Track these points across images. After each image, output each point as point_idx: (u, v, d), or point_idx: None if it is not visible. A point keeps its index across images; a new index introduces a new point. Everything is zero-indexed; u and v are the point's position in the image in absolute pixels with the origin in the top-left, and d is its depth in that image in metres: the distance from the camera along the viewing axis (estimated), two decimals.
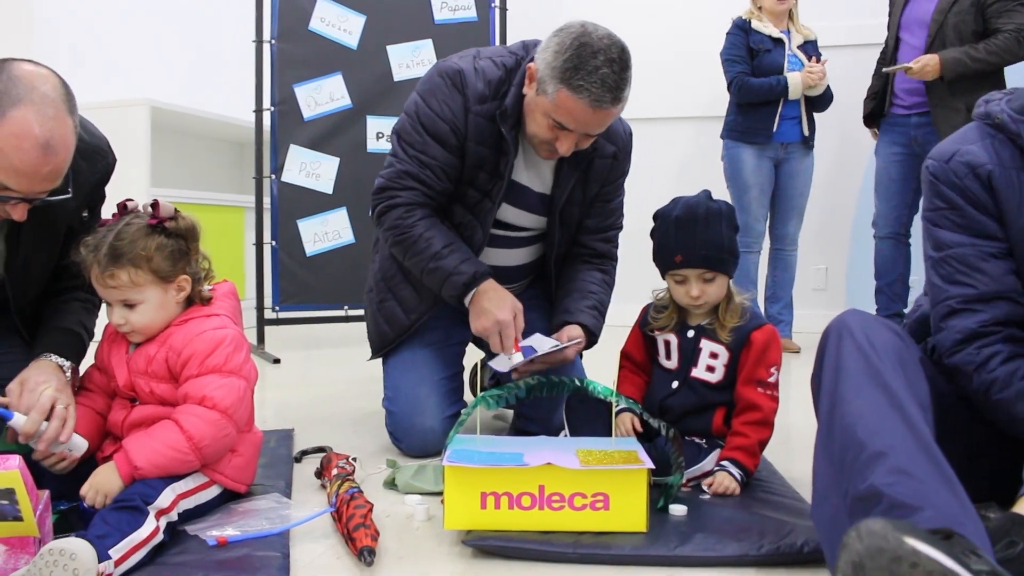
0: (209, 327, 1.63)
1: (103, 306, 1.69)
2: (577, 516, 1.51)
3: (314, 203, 3.99)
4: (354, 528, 1.47)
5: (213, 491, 1.62)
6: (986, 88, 2.50)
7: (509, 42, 3.33)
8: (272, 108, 3.94)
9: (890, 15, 3.98)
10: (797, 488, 1.82)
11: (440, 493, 1.77)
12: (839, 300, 4.88)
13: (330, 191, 4.00)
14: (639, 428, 1.87)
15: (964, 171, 1.51)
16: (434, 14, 4.14)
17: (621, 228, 2.34)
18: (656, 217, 1.90)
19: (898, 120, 3.91)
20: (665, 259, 1.87)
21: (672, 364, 1.92)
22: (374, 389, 2.89)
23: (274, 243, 3.94)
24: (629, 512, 1.51)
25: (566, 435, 1.95)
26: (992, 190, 1.50)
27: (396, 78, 4.07)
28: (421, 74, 3.95)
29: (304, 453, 2.11)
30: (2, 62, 1.44)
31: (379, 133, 4.04)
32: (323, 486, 1.84)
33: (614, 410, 1.77)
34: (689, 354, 1.90)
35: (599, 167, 2.17)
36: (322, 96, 3.99)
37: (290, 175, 3.94)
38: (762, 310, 4.28)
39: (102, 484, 1.48)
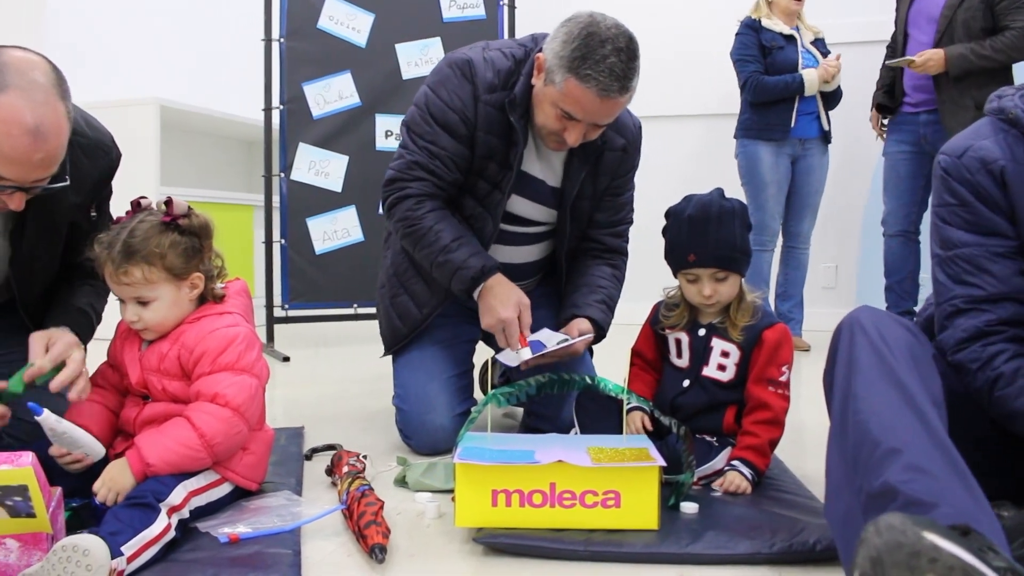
0: (221, 325, 1.63)
1: (114, 304, 1.70)
2: (588, 514, 1.51)
3: (323, 201, 3.99)
4: (365, 525, 1.46)
5: (224, 488, 1.62)
6: (994, 85, 2.49)
7: None
8: (281, 106, 3.95)
9: (897, 10, 3.96)
10: (809, 486, 1.81)
11: (450, 491, 1.76)
12: (849, 298, 4.87)
13: (339, 189, 4.01)
14: (649, 427, 1.86)
15: (976, 166, 1.49)
16: (443, 12, 4.15)
17: (631, 223, 2.34)
18: (668, 215, 1.89)
19: (906, 118, 3.90)
20: (677, 258, 1.86)
21: (683, 362, 1.92)
22: (383, 387, 2.89)
23: (283, 241, 3.95)
24: (641, 510, 1.51)
25: (576, 433, 1.94)
26: (1004, 186, 1.49)
27: (405, 76, 4.08)
28: (429, 72, 3.99)
29: (314, 451, 2.11)
30: None
31: (388, 131, 4.04)
32: (333, 484, 1.84)
33: (625, 408, 1.76)
34: (700, 352, 1.89)
35: (609, 160, 2.16)
36: (331, 94, 4.00)
37: (299, 173, 3.95)
38: (772, 308, 4.26)
39: (114, 481, 1.48)
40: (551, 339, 2.04)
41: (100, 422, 1.65)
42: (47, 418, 1.47)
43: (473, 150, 2.07)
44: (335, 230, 4.01)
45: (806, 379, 3.16)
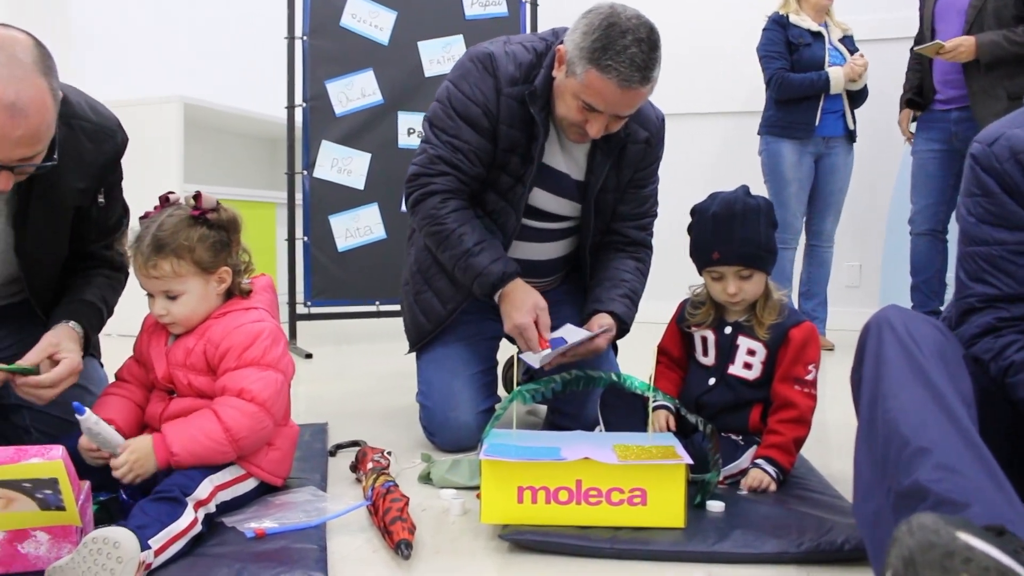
0: (247, 320, 1.64)
1: (140, 299, 1.71)
2: (614, 511, 1.50)
3: (346, 199, 4.00)
4: (391, 522, 1.47)
5: (250, 484, 1.63)
6: None
7: None
8: (304, 104, 3.95)
9: (922, 5, 3.90)
10: (835, 485, 1.80)
11: (475, 487, 1.77)
12: (873, 297, 4.83)
13: (361, 187, 4.01)
14: (672, 426, 1.86)
15: (1006, 155, 1.46)
16: (465, 10, 4.15)
17: (656, 216, 2.33)
18: (693, 213, 1.88)
19: (937, 115, 3.85)
20: (702, 256, 1.85)
21: (709, 360, 1.91)
22: (406, 384, 2.90)
23: (306, 239, 3.96)
24: (667, 508, 1.50)
25: (601, 430, 1.94)
26: None
27: (427, 74, 4.08)
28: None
29: (338, 447, 2.12)
30: None
31: (410, 129, 4.05)
32: (358, 480, 1.84)
33: (651, 406, 1.76)
34: (726, 351, 1.88)
35: (632, 153, 2.16)
36: (353, 92, 4.00)
37: (322, 171, 3.96)
38: (796, 307, 4.24)
39: (138, 463, 1.49)
40: (573, 335, 2.03)
41: (127, 416, 1.66)
42: (88, 418, 1.49)
43: (495, 144, 2.07)
44: (357, 227, 4.01)
45: (830, 378, 3.14)
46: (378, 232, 4.04)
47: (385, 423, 2.49)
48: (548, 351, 1.99)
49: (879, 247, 4.87)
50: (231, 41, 5.21)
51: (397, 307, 3.96)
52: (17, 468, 1.24)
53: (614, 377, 1.68)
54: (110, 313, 1.87)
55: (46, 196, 1.67)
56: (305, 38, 3.95)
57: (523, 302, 2.04)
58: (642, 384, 1.67)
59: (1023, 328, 1.44)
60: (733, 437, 1.85)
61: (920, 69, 3.93)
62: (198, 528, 1.43)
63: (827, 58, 4.01)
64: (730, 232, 1.79)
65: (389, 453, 1.89)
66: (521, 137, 2.07)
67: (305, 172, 3.95)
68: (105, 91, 1.87)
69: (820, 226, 4.22)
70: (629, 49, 1.83)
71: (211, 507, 1.50)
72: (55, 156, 1.54)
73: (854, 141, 4.17)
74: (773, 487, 1.73)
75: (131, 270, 1.66)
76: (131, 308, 2.11)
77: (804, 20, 4.04)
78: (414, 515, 1.54)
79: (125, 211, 1.93)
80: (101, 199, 1.80)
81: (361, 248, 4.02)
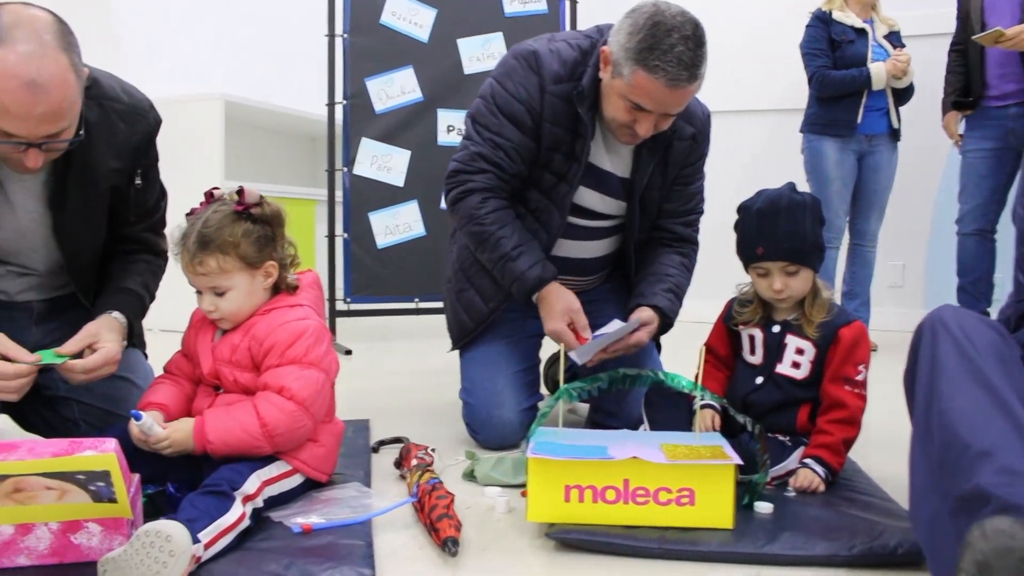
0: (292, 318, 1.64)
1: (187, 293, 1.72)
2: (662, 511, 1.49)
3: (385, 196, 4.01)
4: (437, 519, 1.46)
5: (296, 479, 1.63)
6: None
7: None
8: (344, 101, 3.98)
9: (967, 2, 3.81)
10: (882, 487, 1.77)
11: (519, 485, 1.76)
12: (917, 298, 4.76)
13: (401, 184, 4.02)
14: (718, 425, 1.84)
15: None
16: (504, 7, 4.15)
17: (702, 212, 2.31)
18: (739, 210, 1.87)
19: (992, 112, 3.74)
20: (747, 252, 1.84)
21: (756, 359, 1.89)
22: (446, 381, 2.90)
23: (346, 235, 3.98)
24: (715, 508, 1.49)
25: (646, 429, 1.92)
26: None
27: (466, 71, 4.08)
28: (491, 67, 3.94)
29: (381, 443, 2.12)
30: None
31: (450, 126, 4.05)
32: (402, 476, 1.84)
33: (698, 404, 1.74)
34: (774, 349, 1.86)
35: (678, 149, 2.14)
36: (393, 89, 4.01)
37: (362, 168, 3.97)
38: None
39: (178, 442, 1.53)
40: (614, 329, 2.03)
41: (178, 401, 1.68)
42: (144, 422, 1.51)
43: (539, 142, 2.06)
44: (397, 224, 4.03)
45: (873, 379, 3.07)
46: (417, 229, 4.05)
47: (426, 420, 2.49)
48: (589, 347, 1.98)
49: (923, 246, 4.79)
50: (272, 39, 5.25)
51: (436, 304, 3.99)
52: (71, 460, 1.25)
53: (661, 376, 1.66)
54: (152, 299, 1.89)
55: (82, 177, 1.70)
56: (346, 36, 3.97)
57: (555, 307, 2.05)
58: (688, 383, 1.66)
59: None
60: (780, 438, 1.83)
61: (964, 68, 3.84)
62: (246, 523, 1.44)
63: (870, 55, 3.93)
64: (774, 227, 1.78)
65: (433, 450, 1.88)
66: (565, 135, 2.05)
67: (345, 169, 3.97)
68: (148, 88, 1.89)
69: (863, 225, 4.16)
70: (676, 48, 1.81)
71: (259, 502, 1.51)
72: (82, 132, 1.56)
73: (898, 139, 4.09)
74: (822, 488, 1.71)
75: (171, 256, 1.67)
76: (173, 303, 2.13)
77: (848, 16, 3.98)
78: (459, 512, 1.54)
79: (163, 194, 1.96)
80: (138, 181, 1.82)
81: (400, 245, 4.04)
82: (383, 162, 4.00)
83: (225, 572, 1.32)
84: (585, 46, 2.07)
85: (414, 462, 1.79)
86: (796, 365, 1.84)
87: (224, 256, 1.59)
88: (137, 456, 1.58)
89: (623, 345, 2.02)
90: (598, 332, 2.04)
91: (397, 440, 2.12)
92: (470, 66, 4.08)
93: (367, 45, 3.98)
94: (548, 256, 2.12)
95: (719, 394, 1.88)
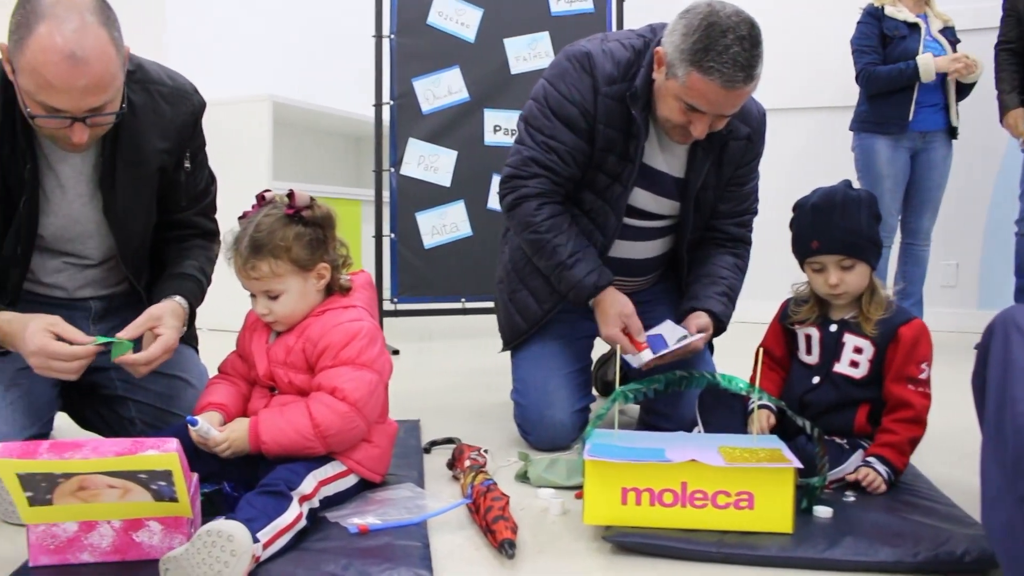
0: (345, 319, 1.64)
1: (241, 294, 1.73)
2: (720, 515, 1.46)
3: (432, 196, 4.02)
4: (493, 520, 1.46)
5: (351, 480, 1.64)
6: None
7: None
8: (391, 102, 3.98)
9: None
10: (943, 490, 1.74)
11: (573, 487, 1.75)
12: (971, 297, 4.66)
13: (448, 184, 4.03)
14: (772, 427, 1.81)
15: None
16: (551, 6, 4.13)
17: (756, 213, 2.29)
18: (795, 207, 1.85)
19: None
20: (802, 246, 1.82)
21: (813, 359, 1.86)
22: (494, 381, 2.90)
23: (393, 236, 3.99)
24: (774, 512, 1.46)
25: (699, 431, 1.90)
26: None
27: (513, 71, 4.07)
28: (538, 67, 3.96)
29: (433, 444, 2.12)
30: None
31: (496, 126, 4.05)
32: (455, 477, 1.84)
33: (755, 406, 1.71)
34: (831, 348, 1.83)
35: (733, 149, 2.12)
36: (440, 89, 4.02)
37: (409, 168, 3.98)
38: None
39: (233, 439, 1.54)
40: (672, 333, 2.03)
41: (235, 401, 1.70)
42: (200, 427, 1.52)
43: (592, 144, 2.05)
44: (444, 224, 4.03)
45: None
46: (464, 229, 4.05)
47: (476, 420, 2.49)
48: (647, 353, 1.98)
49: (977, 245, 4.69)
50: (319, 40, 5.29)
51: (482, 304, 3.99)
52: (134, 460, 1.26)
53: (718, 378, 1.64)
54: (208, 283, 1.93)
55: (131, 158, 1.74)
56: (392, 36, 3.98)
57: (609, 312, 2.05)
58: (745, 385, 1.64)
59: None
60: (838, 440, 1.80)
61: (1018, 67, 3.74)
62: (303, 523, 1.44)
63: (921, 50, 3.85)
64: (830, 221, 1.76)
65: (486, 451, 1.88)
66: (619, 136, 2.04)
67: (392, 169, 3.98)
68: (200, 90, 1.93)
69: (916, 224, 4.08)
70: (731, 48, 1.79)
71: (315, 502, 1.51)
72: (124, 105, 1.61)
73: (955, 137, 3.99)
74: (883, 488, 1.68)
75: (223, 260, 1.68)
76: (222, 303, 2.15)
77: (901, 11, 3.90)
78: (514, 514, 1.53)
79: (212, 179, 2.00)
80: (187, 164, 1.87)
81: (447, 245, 4.04)
82: (430, 162, 4.00)
83: (283, 572, 1.32)
84: (638, 46, 2.05)
85: (467, 463, 1.78)
86: (854, 364, 1.81)
87: (276, 260, 1.60)
88: (194, 455, 1.60)
89: (681, 351, 2.01)
90: (650, 332, 2.04)
91: (449, 441, 2.12)
92: (516, 66, 4.08)
93: (414, 45, 3.99)
94: (602, 257, 2.11)
95: (775, 396, 1.86)
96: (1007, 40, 3.79)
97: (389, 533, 1.47)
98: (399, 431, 2.13)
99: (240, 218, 1.67)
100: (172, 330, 1.71)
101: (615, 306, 2.05)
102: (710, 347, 2.26)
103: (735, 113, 1.96)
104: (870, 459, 1.72)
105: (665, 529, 1.46)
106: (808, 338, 1.87)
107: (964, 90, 3.95)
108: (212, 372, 1.84)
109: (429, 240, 4.02)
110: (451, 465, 1.89)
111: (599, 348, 2.32)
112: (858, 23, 3.98)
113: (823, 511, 1.56)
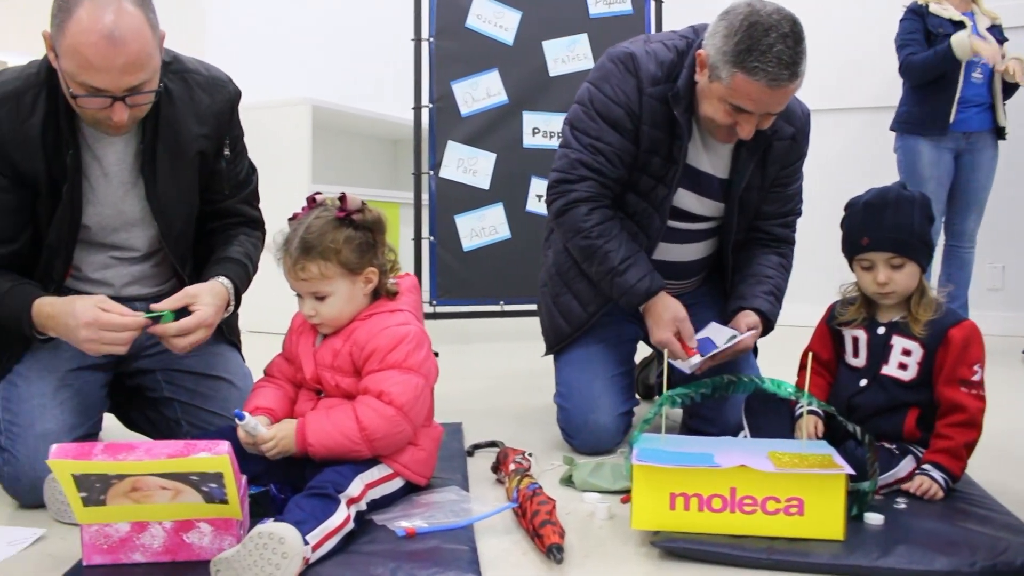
0: (392, 323, 1.65)
1: (287, 297, 1.74)
2: (770, 521, 1.45)
3: (471, 199, 4.02)
4: (540, 525, 1.45)
5: (397, 483, 1.64)
6: None
7: None
8: (430, 105, 3.99)
9: None
10: (998, 498, 1.70)
11: (618, 491, 1.74)
12: (1018, 300, 4.57)
13: (487, 187, 4.02)
14: (821, 432, 1.79)
15: None
16: (589, 8, 4.11)
17: (800, 214, 2.27)
18: (847, 207, 1.84)
19: None
20: (852, 243, 1.80)
21: (859, 362, 1.83)
22: (537, 384, 2.90)
23: (432, 238, 4.00)
24: (825, 519, 1.44)
25: (746, 436, 1.88)
26: None
27: (552, 73, 4.06)
28: (577, 69, 3.95)
29: (476, 447, 2.12)
30: None
31: (535, 128, 4.04)
32: (499, 481, 1.84)
33: (804, 411, 1.69)
34: (879, 351, 1.80)
35: (778, 150, 2.10)
36: (479, 92, 4.02)
37: (448, 171, 3.99)
38: None
39: (280, 439, 1.55)
40: (719, 335, 2.02)
41: (282, 403, 1.70)
42: (248, 422, 1.53)
43: (638, 144, 2.04)
44: (483, 227, 4.03)
45: None
46: (503, 232, 4.05)
47: (518, 423, 2.48)
48: (697, 358, 1.97)
49: None
50: (358, 44, 5.32)
51: (522, 307, 3.99)
52: (186, 462, 1.28)
53: (765, 382, 1.62)
54: (255, 269, 1.95)
55: (171, 143, 1.78)
56: (431, 39, 3.98)
57: (662, 317, 2.04)
58: (793, 389, 1.62)
59: None
60: (887, 445, 1.77)
61: None
62: (351, 525, 1.45)
63: None
64: (881, 218, 1.75)
65: (530, 455, 1.87)
66: (663, 137, 2.03)
67: (431, 172, 3.99)
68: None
69: (961, 226, 4.00)
70: (775, 47, 1.78)
71: (362, 505, 1.52)
72: (163, 84, 1.66)
73: (1003, 137, 3.91)
74: (940, 495, 1.65)
75: (272, 260, 1.70)
76: (263, 305, 2.17)
77: (946, 9, 3.82)
78: (560, 519, 1.52)
79: (253, 168, 2.03)
80: (227, 152, 1.90)
81: (486, 248, 4.03)
82: (469, 165, 4.01)
83: (333, 575, 1.33)
84: (681, 47, 2.04)
85: (512, 467, 1.78)
86: (903, 367, 1.78)
87: (326, 262, 1.61)
88: (241, 457, 1.61)
89: (731, 352, 2.00)
90: (700, 336, 2.04)
91: (492, 444, 2.11)
92: (555, 68, 4.06)
93: (453, 48, 3.99)
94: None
95: (822, 400, 1.83)
96: None
97: (436, 536, 1.48)
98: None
99: (290, 219, 1.68)
100: (209, 307, 1.72)
101: (668, 311, 2.04)
102: (754, 350, 2.24)
103: (780, 113, 1.95)
104: (925, 466, 1.69)
105: (713, 535, 1.45)
106: (855, 340, 1.84)
107: (1010, 89, 3.87)
108: (256, 374, 1.85)
109: (468, 243, 4.02)
110: (495, 468, 1.89)
111: (641, 351, 2.31)
112: (900, 20, 3.91)
113: (874, 518, 1.54)
